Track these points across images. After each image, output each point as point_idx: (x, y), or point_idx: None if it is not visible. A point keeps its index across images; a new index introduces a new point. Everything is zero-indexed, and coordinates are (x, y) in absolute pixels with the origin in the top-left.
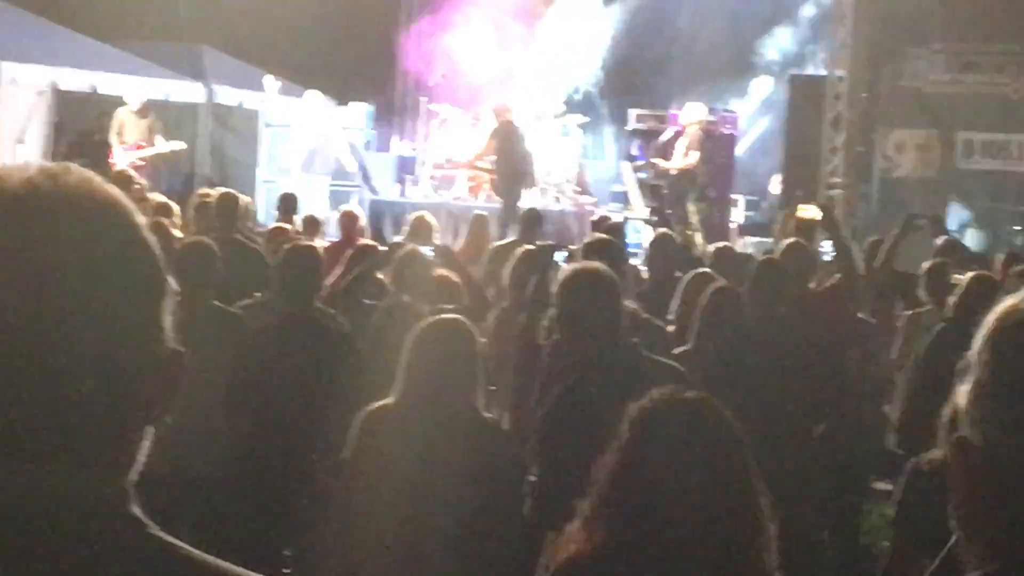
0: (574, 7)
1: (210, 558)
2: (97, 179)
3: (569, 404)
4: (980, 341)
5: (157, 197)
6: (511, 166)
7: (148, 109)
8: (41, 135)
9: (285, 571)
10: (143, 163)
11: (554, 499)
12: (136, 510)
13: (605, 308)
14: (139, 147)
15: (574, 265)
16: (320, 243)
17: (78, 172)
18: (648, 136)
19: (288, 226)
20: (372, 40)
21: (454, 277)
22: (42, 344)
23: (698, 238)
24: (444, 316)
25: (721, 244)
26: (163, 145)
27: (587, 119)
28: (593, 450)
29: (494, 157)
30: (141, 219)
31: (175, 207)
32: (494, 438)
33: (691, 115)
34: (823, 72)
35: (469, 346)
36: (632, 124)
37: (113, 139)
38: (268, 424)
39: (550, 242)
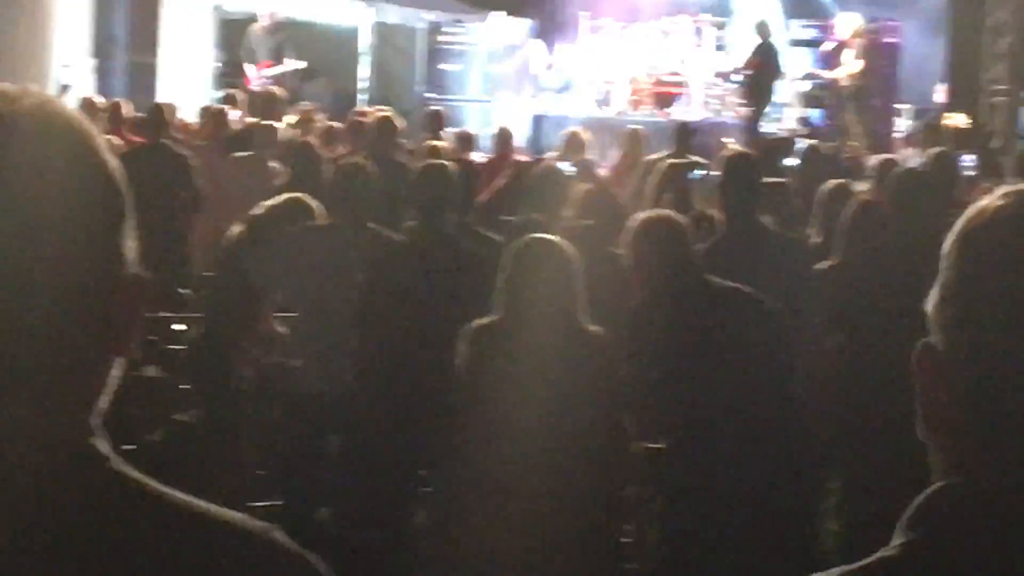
0: None
1: (182, 496)
2: (57, 102)
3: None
4: (946, 244)
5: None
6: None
7: (278, 27)
8: (207, 57)
9: (425, 490)
10: (270, 81)
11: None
12: (102, 445)
13: (668, 255)
14: (267, 65)
15: (643, 214)
16: (479, 159)
17: (36, 95)
18: (810, 47)
19: (442, 143)
20: None
21: (594, 191)
22: None
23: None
24: (537, 236)
25: (884, 156)
26: (289, 64)
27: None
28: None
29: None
30: (101, 141)
31: (339, 127)
32: (596, 350)
33: (850, 24)
34: None
35: (564, 262)
36: (794, 35)
37: (246, 59)
38: (398, 342)
39: (689, 159)
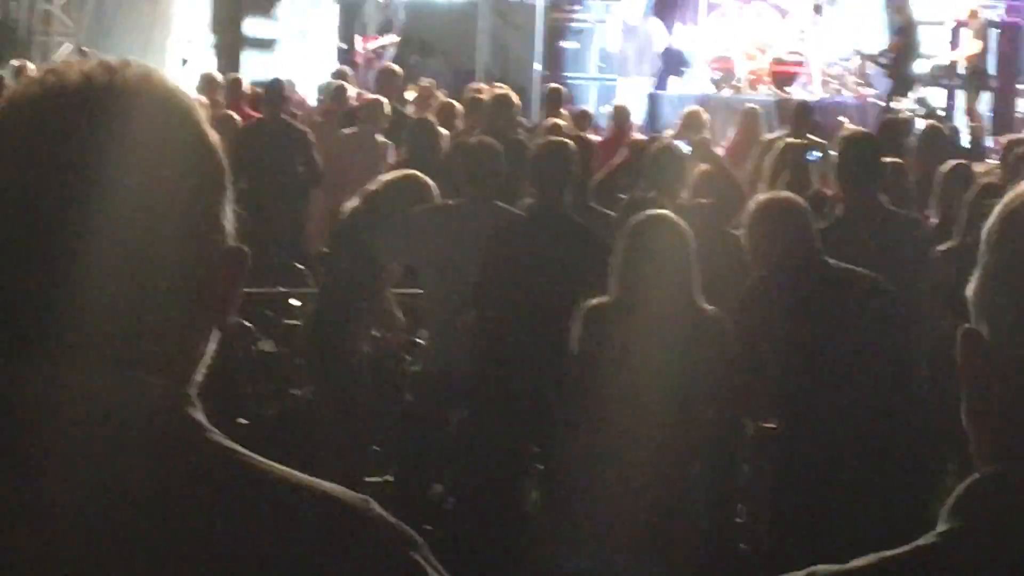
0: None
1: (278, 467)
2: (158, 73)
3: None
4: (987, 227)
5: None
6: None
7: (389, 2)
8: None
9: (539, 467)
10: (374, 55)
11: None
12: (198, 415)
13: (787, 237)
14: (373, 39)
15: (763, 195)
16: (594, 137)
17: (137, 66)
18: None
19: (560, 121)
20: None
21: (711, 170)
22: (96, 241)
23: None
24: (654, 213)
25: (1009, 137)
26: (388, 37)
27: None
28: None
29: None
30: (201, 113)
31: (457, 106)
32: (712, 330)
33: (968, 4)
34: None
35: (679, 241)
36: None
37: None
38: (515, 320)
39: (808, 139)
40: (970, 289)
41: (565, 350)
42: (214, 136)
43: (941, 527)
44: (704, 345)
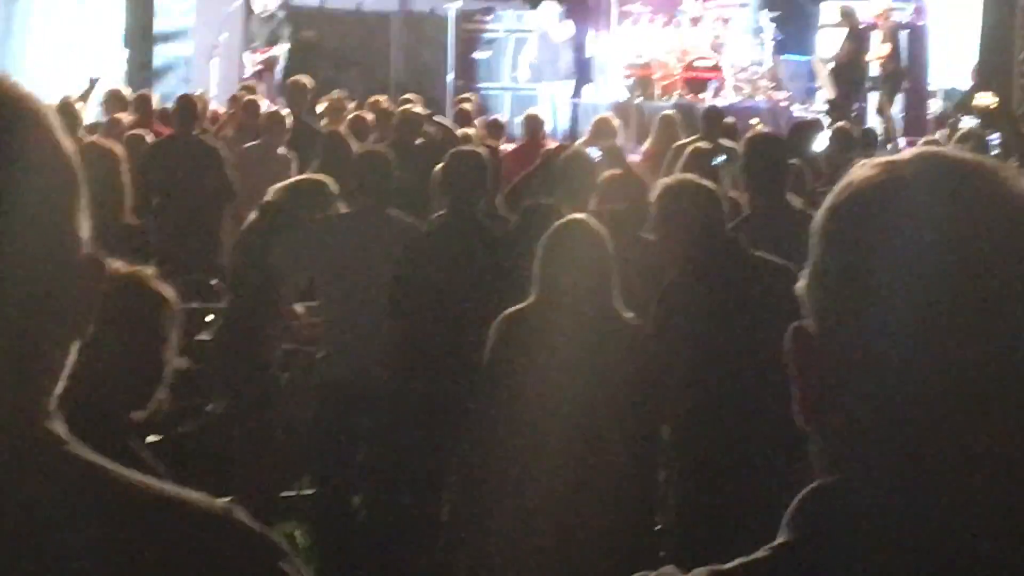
0: None
1: (140, 478)
2: (6, 78)
3: (668, 304)
4: (816, 220)
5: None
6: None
7: (273, 14)
8: (236, 48)
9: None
10: (262, 67)
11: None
12: (58, 428)
13: (693, 218)
14: (262, 51)
15: (667, 179)
16: (507, 146)
17: None
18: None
19: (471, 131)
20: None
21: (620, 176)
22: None
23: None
24: (571, 218)
25: (926, 138)
26: (278, 48)
27: (777, 13)
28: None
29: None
30: (55, 121)
31: (369, 118)
32: (630, 336)
33: (878, 6)
34: None
35: (597, 246)
36: (822, 17)
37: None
38: (428, 330)
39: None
40: (800, 285)
41: (481, 358)
42: (68, 144)
43: (778, 539)
44: (622, 352)
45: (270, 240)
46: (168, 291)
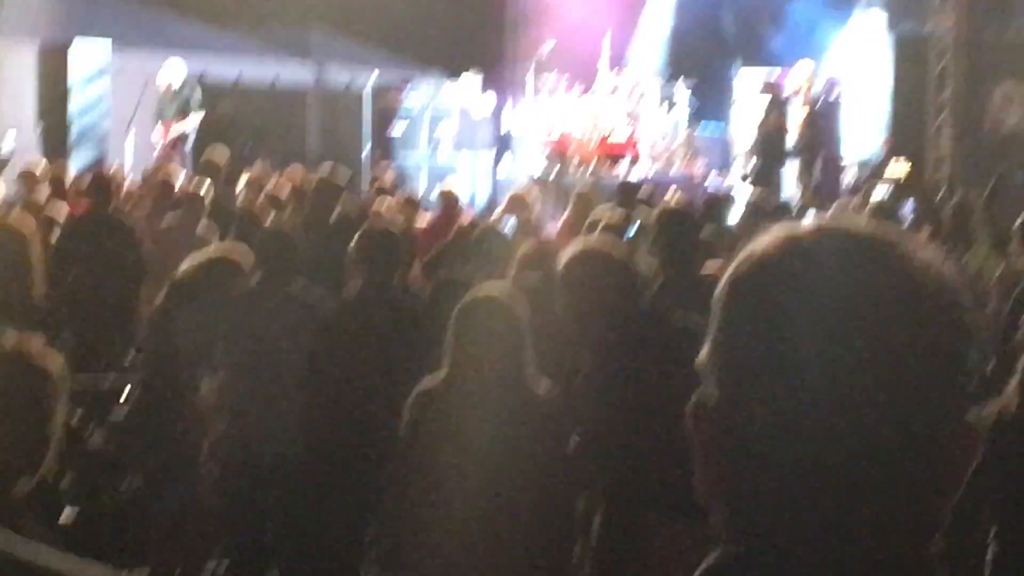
0: None
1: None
2: None
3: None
4: (715, 293)
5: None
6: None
7: (183, 86)
8: (151, 120)
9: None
10: (174, 141)
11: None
12: None
13: (602, 286)
14: (173, 124)
15: (575, 246)
16: (421, 221)
17: None
18: (756, 98)
19: (385, 205)
20: (480, 10)
21: (534, 250)
22: None
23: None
24: (484, 293)
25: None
26: (191, 120)
27: (692, 84)
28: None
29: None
30: None
31: (285, 192)
32: (543, 410)
33: (798, 76)
34: (927, 30)
35: (512, 320)
36: (739, 87)
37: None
38: (343, 408)
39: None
40: (700, 356)
41: (396, 433)
42: None
43: None
44: (535, 425)
45: (176, 317)
46: (54, 364)
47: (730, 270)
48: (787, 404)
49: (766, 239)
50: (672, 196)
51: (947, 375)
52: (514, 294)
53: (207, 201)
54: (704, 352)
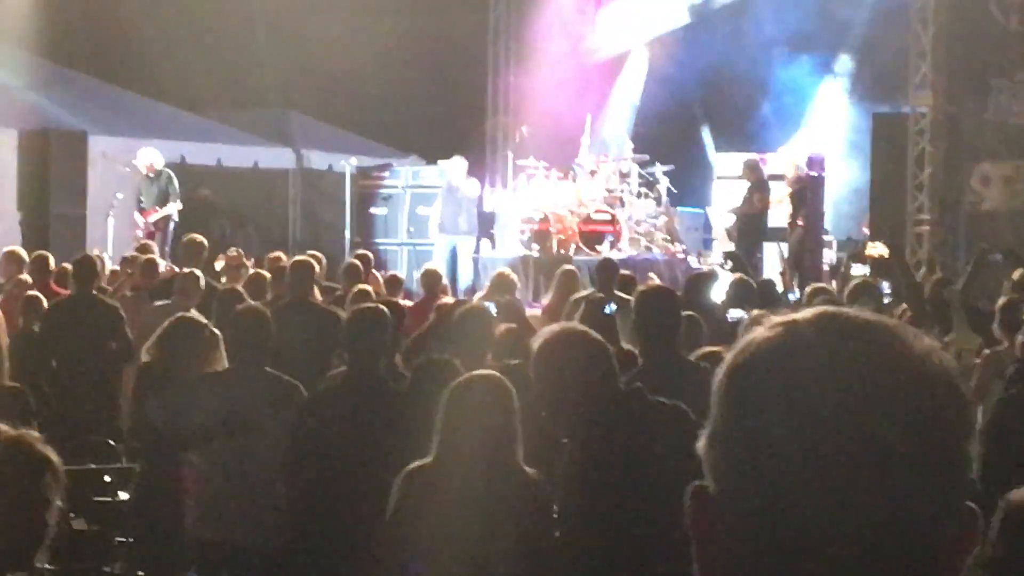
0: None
1: None
2: None
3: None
4: (715, 379)
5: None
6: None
7: (160, 173)
8: (130, 207)
9: None
10: (155, 229)
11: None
12: None
13: (583, 368)
14: (153, 211)
15: (550, 328)
16: (405, 302)
17: None
18: (736, 179)
19: (369, 287)
20: (458, 97)
21: (516, 331)
22: None
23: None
24: (475, 373)
25: (817, 285)
26: (169, 208)
27: (672, 167)
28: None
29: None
30: None
31: (267, 275)
32: (534, 493)
33: (782, 159)
34: (905, 109)
35: (503, 401)
36: (719, 169)
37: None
38: (327, 488)
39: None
40: (700, 444)
41: (382, 517)
42: None
43: None
44: (526, 508)
45: (148, 402)
46: (53, 454)
47: (728, 359)
48: (790, 494)
49: (764, 328)
50: (653, 277)
51: (950, 465)
52: (502, 376)
53: (201, 283)
54: (703, 440)
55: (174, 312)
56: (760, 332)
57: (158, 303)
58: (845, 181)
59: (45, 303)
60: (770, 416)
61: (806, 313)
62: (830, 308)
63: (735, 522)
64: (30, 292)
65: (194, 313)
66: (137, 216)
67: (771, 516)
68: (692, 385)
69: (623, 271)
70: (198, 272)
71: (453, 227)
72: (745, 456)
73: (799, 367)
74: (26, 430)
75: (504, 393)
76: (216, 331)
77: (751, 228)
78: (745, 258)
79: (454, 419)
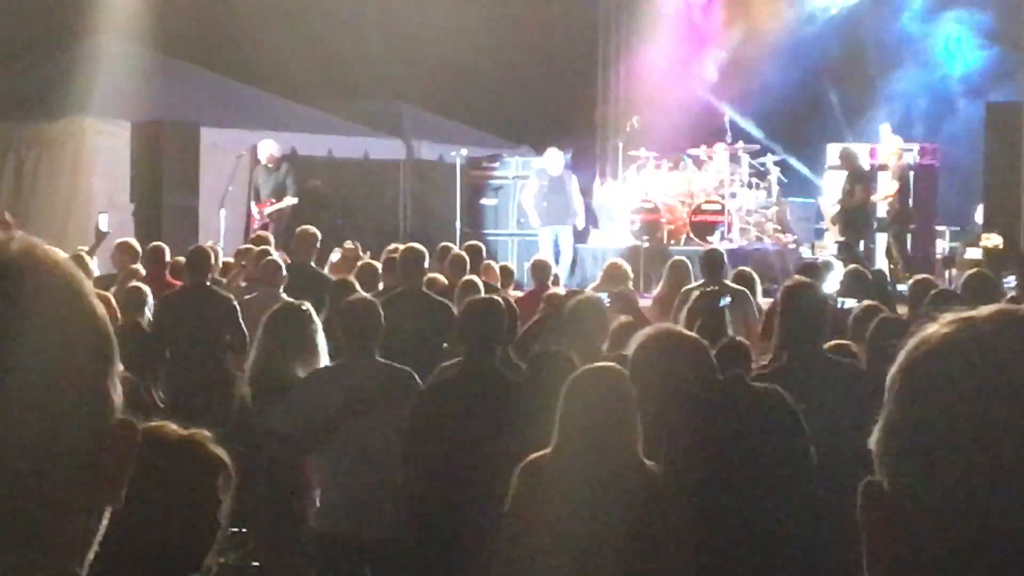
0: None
1: None
2: (42, 247)
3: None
4: (890, 375)
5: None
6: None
7: (280, 163)
8: (242, 198)
9: None
10: (269, 220)
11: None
12: None
13: (677, 371)
14: (269, 203)
15: (646, 331)
16: (516, 292)
17: (23, 239)
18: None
19: (477, 278)
20: (568, 87)
21: (631, 323)
22: None
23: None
24: (596, 365)
25: (920, 276)
26: (286, 201)
27: (783, 156)
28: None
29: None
30: (88, 286)
31: (378, 266)
32: (654, 487)
33: (888, 147)
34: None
35: (622, 393)
36: (830, 160)
37: (252, 198)
38: (449, 478)
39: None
40: (872, 439)
41: (500, 508)
42: (101, 309)
43: None
44: (643, 501)
45: (268, 411)
46: (225, 455)
47: (904, 354)
48: (967, 492)
49: (941, 323)
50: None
51: None
52: (621, 368)
53: (284, 272)
54: (876, 435)
55: (263, 302)
56: (936, 328)
57: (247, 296)
58: (958, 170)
59: (150, 294)
60: (950, 412)
61: (983, 310)
62: (1009, 306)
63: (911, 519)
64: (131, 284)
65: (285, 296)
66: (253, 207)
67: (949, 515)
68: (837, 381)
69: (741, 267)
70: (279, 259)
71: (559, 218)
72: (923, 452)
73: (981, 362)
74: (197, 430)
75: (624, 386)
76: (310, 308)
77: (854, 220)
78: (850, 250)
79: (573, 411)
